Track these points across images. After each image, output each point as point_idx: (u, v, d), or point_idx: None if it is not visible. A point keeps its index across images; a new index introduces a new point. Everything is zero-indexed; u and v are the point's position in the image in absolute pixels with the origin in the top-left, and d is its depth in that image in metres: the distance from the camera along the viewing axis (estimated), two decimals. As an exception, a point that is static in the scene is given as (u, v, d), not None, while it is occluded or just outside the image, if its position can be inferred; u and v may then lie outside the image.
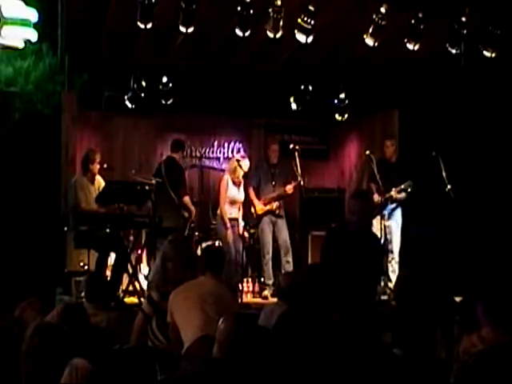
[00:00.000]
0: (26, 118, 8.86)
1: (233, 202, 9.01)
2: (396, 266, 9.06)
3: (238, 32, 7.59)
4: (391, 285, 8.74)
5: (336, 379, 3.44)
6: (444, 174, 8.39)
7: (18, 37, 8.17)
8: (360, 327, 4.59)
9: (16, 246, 8.56)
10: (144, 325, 5.25)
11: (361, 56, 9.24)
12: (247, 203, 9.32)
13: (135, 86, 9.58)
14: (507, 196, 9.03)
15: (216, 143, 10.94)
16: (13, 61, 8.94)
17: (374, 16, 7.58)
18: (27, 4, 8.11)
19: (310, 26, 7.51)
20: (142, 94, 9.64)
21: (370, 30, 7.71)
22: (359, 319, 5.32)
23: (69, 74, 9.21)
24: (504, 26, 7.78)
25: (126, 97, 9.77)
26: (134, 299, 8.02)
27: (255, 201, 9.18)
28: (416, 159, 9.20)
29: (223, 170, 10.12)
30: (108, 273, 8.21)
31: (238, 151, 10.92)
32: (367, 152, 9.20)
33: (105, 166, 8.95)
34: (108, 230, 8.14)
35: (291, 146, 9.30)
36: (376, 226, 9.18)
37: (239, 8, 7.43)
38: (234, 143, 11.02)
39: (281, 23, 7.46)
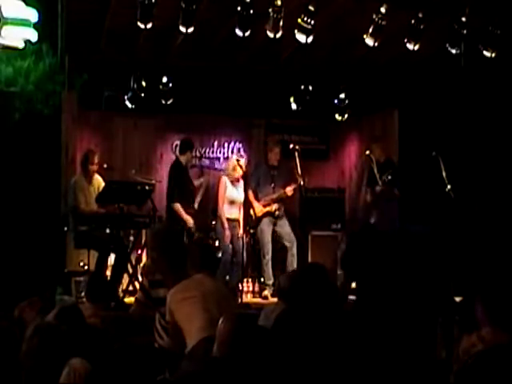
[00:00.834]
0: (26, 117, 8.84)
1: (232, 202, 8.99)
2: None
3: (238, 32, 7.59)
4: None
5: (335, 379, 3.44)
6: (444, 173, 8.40)
7: (17, 37, 8.17)
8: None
9: (16, 246, 8.54)
10: (140, 313, 5.26)
11: (361, 56, 9.24)
12: (247, 205, 9.32)
13: (135, 85, 9.58)
14: (507, 196, 9.03)
15: (216, 143, 10.94)
16: (13, 61, 8.92)
17: (374, 16, 7.58)
18: (27, 4, 8.10)
19: (309, 26, 7.51)
20: (142, 94, 9.64)
21: (370, 30, 7.71)
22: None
23: (69, 74, 9.20)
24: (504, 25, 7.78)
25: (126, 97, 9.77)
26: (133, 299, 8.02)
27: (254, 203, 9.17)
28: (416, 159, 9.20)
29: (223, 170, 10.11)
30: (108, 273, 8.21)
31: (238, 151, 10.92)
32: (367, 152, 9.21)
33: (105, 166, 8.95)
34: (108, 230, 8.15)
35: (291, 145, 9.30)
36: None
37: (239, 8, 7.43)
38: (234, 143, 11.02)
39: (281, 23, 7.46)
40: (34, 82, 8.95)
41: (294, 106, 9.99)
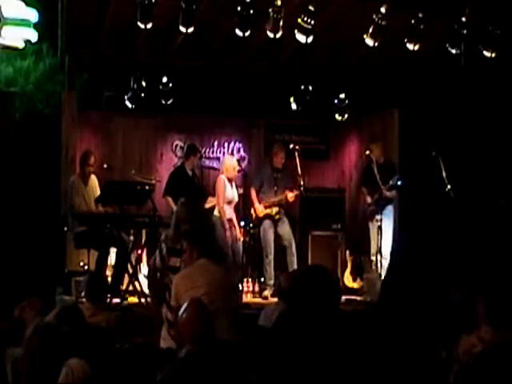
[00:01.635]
0: (26, 117, 8.84)
1: (229, 202, 8.98)
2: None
3: (238, 32, 7.59)
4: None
5: (334, 380, 3.44)
6: (444, 173, 8.40)
7: (18, 37, 8.17)
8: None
9: (16, 246, 8.54)
10: (155, 277, 5.30)
11: (361, 56, 9.24)
12: (247, 204, 9.33)
13: (135, 85, 9.58)
14: (507, 196, 9.02)
15: (216, 143, 10.93)
16: (13, 61, 8.92)
17: (374, 16, 7.58)
18: (27, 4, 8.10)
19: (310, 26, 7.51)
20: (142, 94, 9.64)
21: (370, 30, 7.71)
22: None
23: (69, 74, 9.20)
24: (504, 25, 7.78)
25: (126, 97, 9.77)
26: (134, 299, 8.03)
27: (256, 203, 9.18)
28: (416, 159, 9.20)
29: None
30: (108, 273, 8.22)
31: (238, 151, 10.93)
32: (367, 152, 9.22)
33: (105, 166, 8.96)
34: (108, 230, 8.16)
35: (291, 145, 9.32)
36: (371, 228, 9.22)
37: (239, 8, 7.44)
38: (234, 143, 11.01)
39: (281, 23, 7.46)
40: (33, 82, 8.95)
41: (294, 106, 10.00)
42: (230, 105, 10.44)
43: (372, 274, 9.11)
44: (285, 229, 9.21)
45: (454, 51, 7.90)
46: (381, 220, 9.00)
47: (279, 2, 7.36)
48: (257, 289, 9.24)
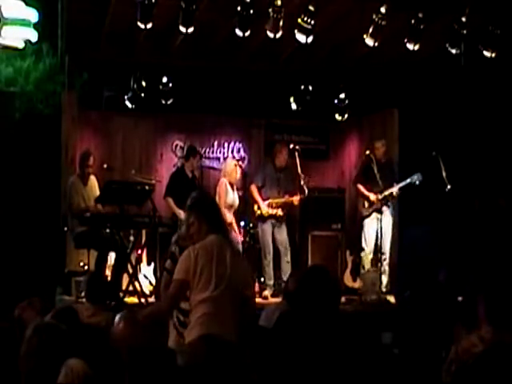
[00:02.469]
0: (26, 118, 8.85)
1: (230, 207, 8.90)
2: (387, 268, 9.06)
3: (238, 32, 7.59)
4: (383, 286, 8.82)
5: (334, 380, 3.44)
6: (444, 173, 8.40)
7: (18, 37, 8.17)
8: None
9: (16, 246, 8.55)
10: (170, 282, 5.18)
11: (361, 56, 9.24)
12: (248, 201, 9.31)
13: (135, 85, 9.57)
14: (507, 196, 9.03)
15: (216, 143, 10.93)
16: (13, 61, 8.94)
17: (374, 16, 7.58)
18: (27, 4, 8.11)
19: (309, 26, 7.50)
20: (142, 94, 9.63)
21: (370, 30, 7.70)
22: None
23: (69, 74, 9.20)
24: (504, 25, 7.78)
25: (126, 97, 9.77)
26: (134, 299, 8.03)
27: (260, 202, 9.13)
28: (416, 159, 9.20)
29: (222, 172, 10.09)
30: (108, 273, 8.21)
31: (238, 151, 10.92)
32: (367, 152, 9.21)
33: (105, 166, 8.96)
34: (108, 230, 8.16)
35: (291, 146, 9.31)
36: (373, 225, 9.20)
37: (239, 8, 7.43)
38: (234, 143, 11.01)
39: (281, 23, 7.46)
40: (33, 82, 8.96)
41: (294, 106, 9.99)
42: (230, 105, 10.44)
43: (371, 274, 9.09)
44: (282, 235, 9.19)
45: (454, 51, 7.90)
46: (381, 220, 8.98)
47: (279, 2, 7.36)
48: (257, 289, 9.23)
